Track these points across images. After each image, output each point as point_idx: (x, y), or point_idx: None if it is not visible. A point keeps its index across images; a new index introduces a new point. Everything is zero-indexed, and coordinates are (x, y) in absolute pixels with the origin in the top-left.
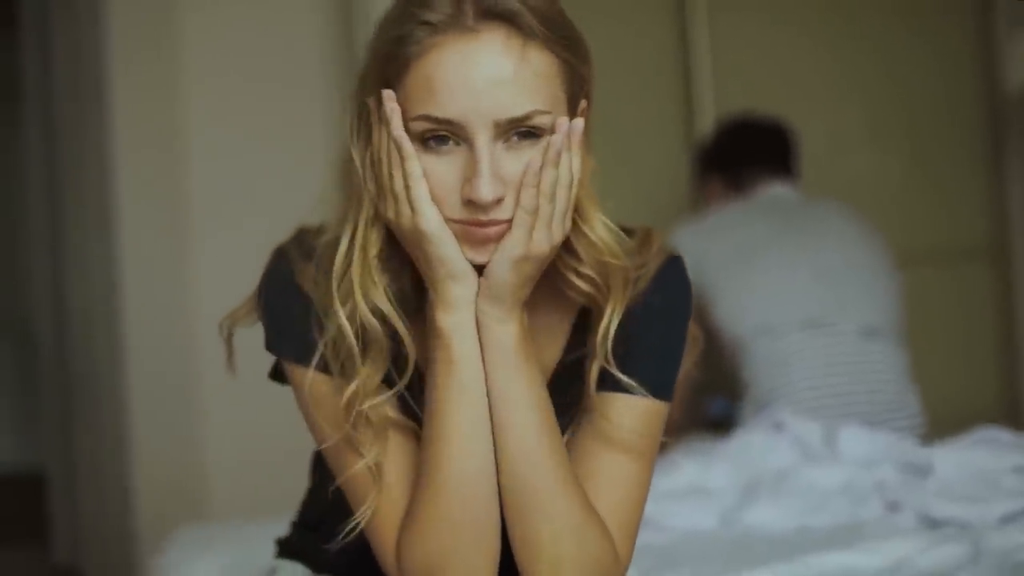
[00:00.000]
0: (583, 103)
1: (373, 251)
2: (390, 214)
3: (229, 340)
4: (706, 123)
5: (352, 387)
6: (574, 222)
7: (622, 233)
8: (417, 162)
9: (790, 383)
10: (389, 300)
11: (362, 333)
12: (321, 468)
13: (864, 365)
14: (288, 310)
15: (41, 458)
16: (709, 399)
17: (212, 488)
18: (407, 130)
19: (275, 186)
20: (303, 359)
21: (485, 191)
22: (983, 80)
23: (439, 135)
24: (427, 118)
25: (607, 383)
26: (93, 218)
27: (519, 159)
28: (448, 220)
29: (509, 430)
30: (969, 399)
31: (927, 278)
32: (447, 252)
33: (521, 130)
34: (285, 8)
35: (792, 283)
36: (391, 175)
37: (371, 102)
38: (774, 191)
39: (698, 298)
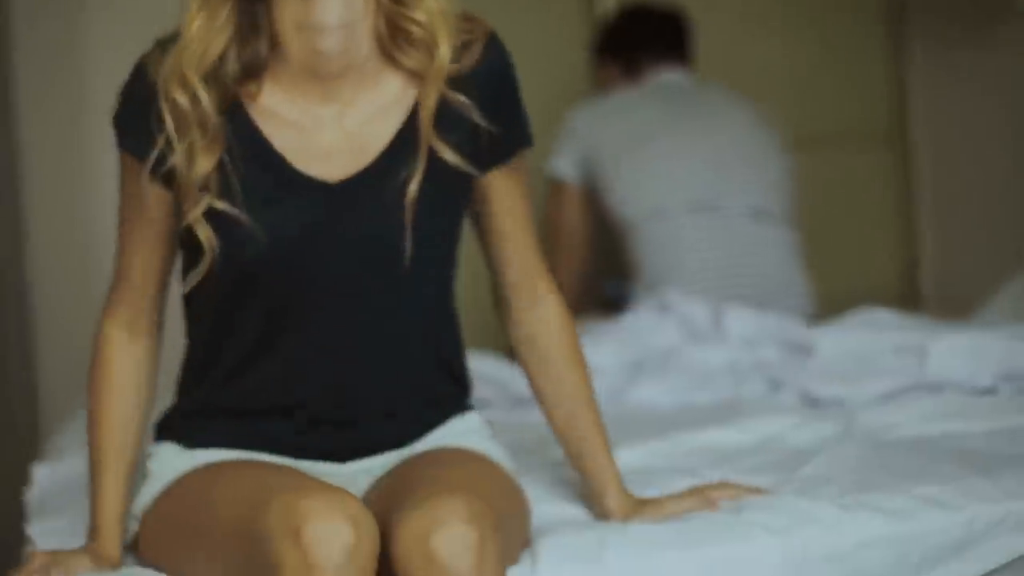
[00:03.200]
0: None
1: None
2: None
3: None
4: (607, 9)
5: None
6: None
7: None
8: None
9: (680, 265)
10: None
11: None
12: (189, 325)
13: (752, 247)
14: (129, 95)
15: None
16: (604, 281)
17: None
18: None
19: None
20: (132, 147)
21: None
22: None
23: None
24: None
25: (495, 156)
26: None
27: None
28: None
29: None
30: (868, 282)
31: (828, 162)
32: None
33: None
34: None
35: (683, 167)
36: None
37: None
38: (667, 77)
39: (591, 181)
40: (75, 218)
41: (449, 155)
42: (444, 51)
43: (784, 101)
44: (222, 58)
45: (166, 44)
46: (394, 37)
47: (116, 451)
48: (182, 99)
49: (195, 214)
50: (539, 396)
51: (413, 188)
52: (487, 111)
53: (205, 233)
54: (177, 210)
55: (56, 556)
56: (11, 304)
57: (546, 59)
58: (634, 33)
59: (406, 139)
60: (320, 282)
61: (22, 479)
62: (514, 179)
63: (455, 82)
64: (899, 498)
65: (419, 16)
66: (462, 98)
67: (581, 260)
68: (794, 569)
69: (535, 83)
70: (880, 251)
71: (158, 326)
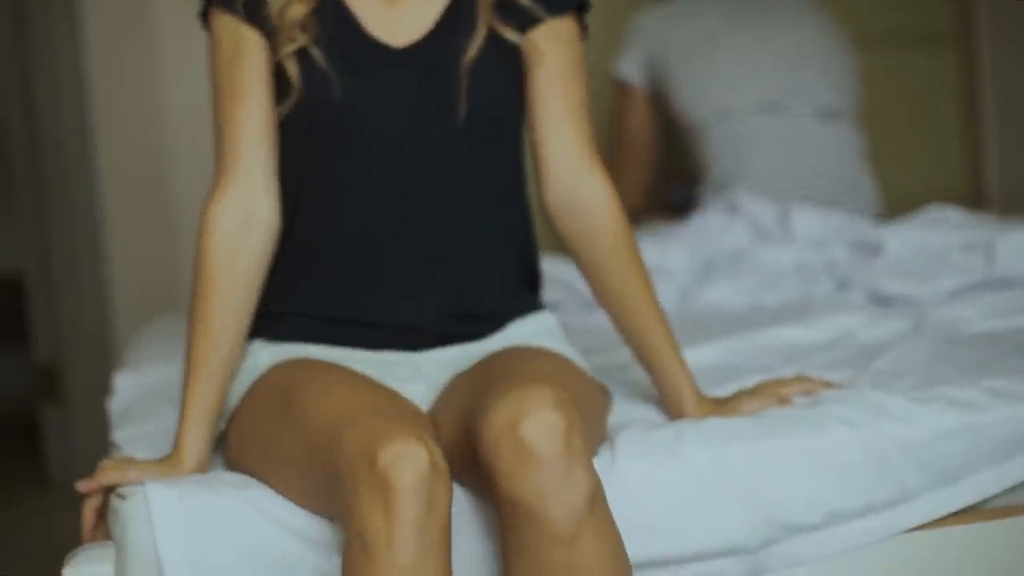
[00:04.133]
0: None
1: None
2: None
3: None
4: None
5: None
6: None
7: None
8: None
9: (747, 166)
10: None
11: None
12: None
13: (820, 147)
14: None
15: (19, 262)
16: (669, 185)
17: (187, 283)
18: None
19: None
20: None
21: None
22: None
23: None
24: None
25: (537, 12)
26: (60, 19)
27: None
28: None
29: None
30: (934, 181)
31: (892, 62)
32: None
33: None
34: None
35: (749, 67)
36: None
37: None
38: None
39: (657, 84)
40: (147, 127)
41: (507, 32)
42: None
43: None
44: None
45: None
46: None
47: (208, 355)
48: None
49: (288, 49)
50: (593, 286)
51: (472, 54)
52: None
53: (294, 69)
54: (271, 56)
55: (129, 462)
56: (83, 212)
57: None
58: None
59: (459, 9)
60: (387, 138)
61: (103, 388)
62: (563, 38)
63: None
64: (970, 390)
65: None
66: None
67: (647, 164)
68: (870, 460)
69: None
70: (944, 151)
71: (270, 218)
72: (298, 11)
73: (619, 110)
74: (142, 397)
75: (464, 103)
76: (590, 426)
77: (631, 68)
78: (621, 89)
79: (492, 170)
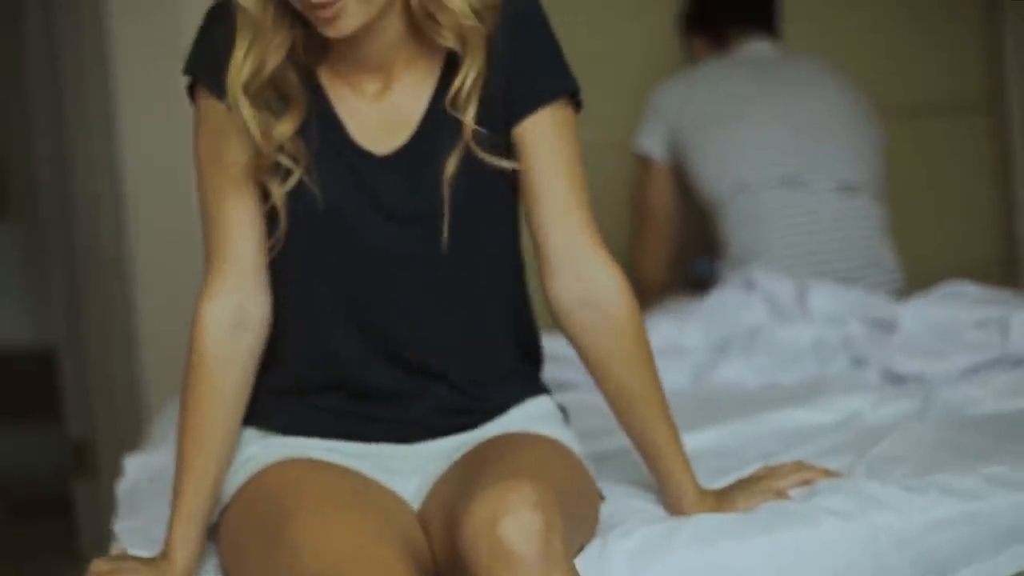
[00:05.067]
0: None
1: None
2: None
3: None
4: None
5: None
6: None
7: None
8: None
9: (766, 241)
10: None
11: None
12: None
13: (840, 222)
14: (212, 33)
15: (51, 336)
16: (693, 259)
17: None
18: None
19: None
20: (215, 85)
21: None
22: None
23: None
24: None
25: (519, 109)
26: (94, 95)
27: None
28: (302, 8)
29: None
30: (966, 251)
31: (924, 131)
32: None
33: None
34: None
35: (770, 140)
36: None
37: None
38: (755, 47)
39: (678, 158)
40: (179, 204)
41: (484, 139)
42: (467, 71)
43: (878, 70)
44: (291, 49)
45: None
46: (429, 32)
47: (198, 457)
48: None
49: (277, 188)
50: (597, 384)
51: (451, 164)
52: (510, 60)
53: (279, 194)
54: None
55: (119, 564)
56: (115, 287)
57: (639, 34)
58: (719, 4)
59: (439, 113)
60: (370, 251)
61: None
62: (549, 131)
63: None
64: (969, 478)
65: (446, 34)
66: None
67: (669, 238)
68: (863, 552)
69: (628, 59)
70: (978, 220)
71: (263, 318)
72: (286, 130)
73: (641, 184)
74: (150, 481)
75: (447, 214)
76: (574, 524)
77: (652, 142)
78: (643, 163)
79: (481, 270)
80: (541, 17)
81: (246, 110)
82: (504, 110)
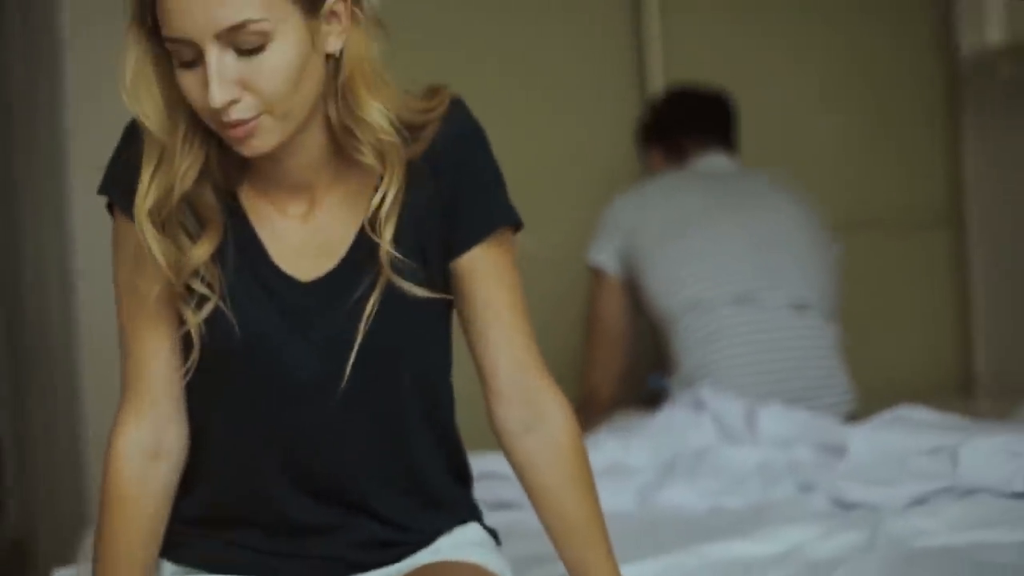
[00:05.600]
0: None
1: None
2: None
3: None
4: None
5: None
6: (347, 102)
7: (407, 108)
8: None
9: (718, 360)
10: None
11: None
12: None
13: (793, 341)
14: (127, 151)
15: None
16: (646, 374)
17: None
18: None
19: None
20: (128, 207)
21: (215, 98)
22: (939, 45)
23: (182, 53)
24: (168, 40)
25: (460, 242)
26: (46, 191)
27: (251, 64)
28: (215, 127)
29: None
30: (926, 366)
31: (881, 245)
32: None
33: (245, 39)
34: None
35: (724, 256)
36: None
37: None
38: (711, 162)
39: (631, 272)
40: None
41: (404, 266)
42: (386, 189)
43: (836, 182)
44: (205, 167)
45: None
46: (348, 147)
47: None
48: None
49: (193, 316)
50: (537, 510)
51: (372, 300)
52: (449, 189)
53: (193, 320)
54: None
55: None
56: (62, 386)
57: (598, 148)
58: (677, 116)
59: (367, 238)
60: (291, 380)
61: None
62: (490, 262)
63: (413, 164)
64: None
65: (365, 149)
66: (416, 195)
67: (620, 353)
68: None
69: (586, 172)
70: (935, 334)
71: (180, 447)
72: (201, 255)
73: (593, 297)
74: None
75: (369, 342)
76: None
77: (606, 256)
78: (596, 276)
79: (407, 397)
80: (481, 138)
81: (152, 239)
82: (442, 241)
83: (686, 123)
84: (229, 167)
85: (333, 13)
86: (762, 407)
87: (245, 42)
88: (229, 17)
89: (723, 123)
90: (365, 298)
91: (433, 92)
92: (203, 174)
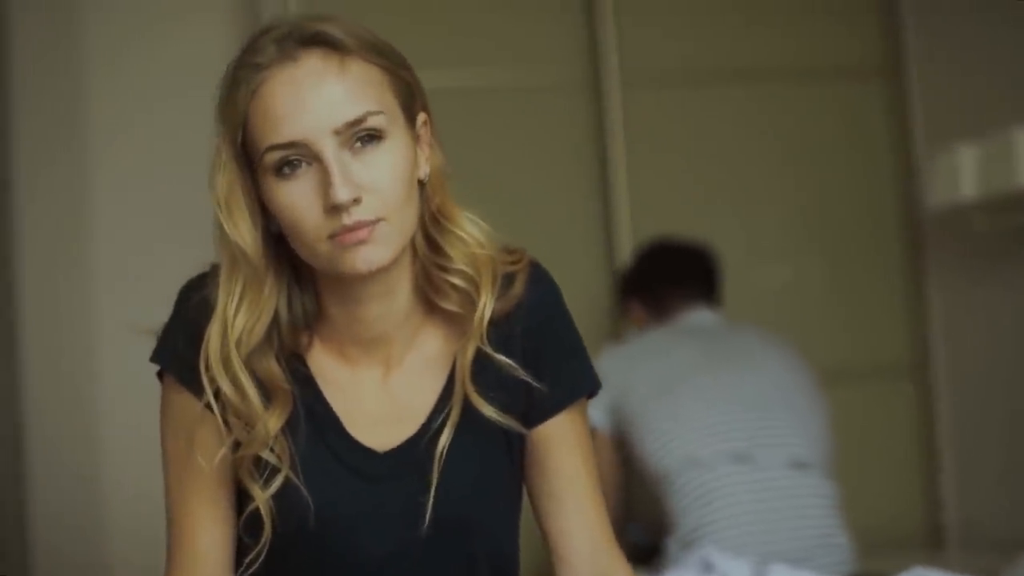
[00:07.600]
0: (423, 115)
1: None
2: None
3: None
4: (624, 242)
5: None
6: (439, 222)
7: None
8: None
9: (717, 519)
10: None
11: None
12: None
13: (792, 500)
14: (182, 323)
15: None
16: (628, 527)
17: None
18: (262, 166)
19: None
20: (186, 378)
21: (341, 193)
22: (903, 197)
23: (290, 160)
24: (274, 147)
25: (543, 409)
26: None
27: (368, 164)
28: (320, 241)
29: None
30: (891, 517)
31: (848, 396)
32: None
33: (362, 135)
34: (191, 23)
35: (718, 414)
36: None
37: (218, 144)
38: (696, 316)
39: (624, 428)
40: (79, 446)
41: (488, 410)
42: (485, 301)
43: (801, 334)
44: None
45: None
46: (435, 288)
47: None
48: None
49: (260, 492)
50: None
51: (443, 441)
52: (533, 355)
53: (263, 502)
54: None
55: None
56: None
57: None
58: (659, 270)
59: (448, 400)
60: (362, 555)
61: None
62: (569, 428)
63: (499, 325)
64: None
65: (459, 266)
66: (502, 357)
67: (612, 507)
68: None
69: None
70: (903, 486)
71: None
72: (275, 425)
73: None
74: None
75: (434, 511)
76: None
77: (595, 412)
78: None
79: (471, 560)
80: (564, 304)
81: (244, 378)
82: (525, 405)
83: (667, 277)
84: (294, 332)
85: (418, 135)
86: (770, 567)
87: (363, 136)
88: (349, 112)
89: (706, 277)
90: (438, 461)
91: (510, 250)
92: (267, 335)
